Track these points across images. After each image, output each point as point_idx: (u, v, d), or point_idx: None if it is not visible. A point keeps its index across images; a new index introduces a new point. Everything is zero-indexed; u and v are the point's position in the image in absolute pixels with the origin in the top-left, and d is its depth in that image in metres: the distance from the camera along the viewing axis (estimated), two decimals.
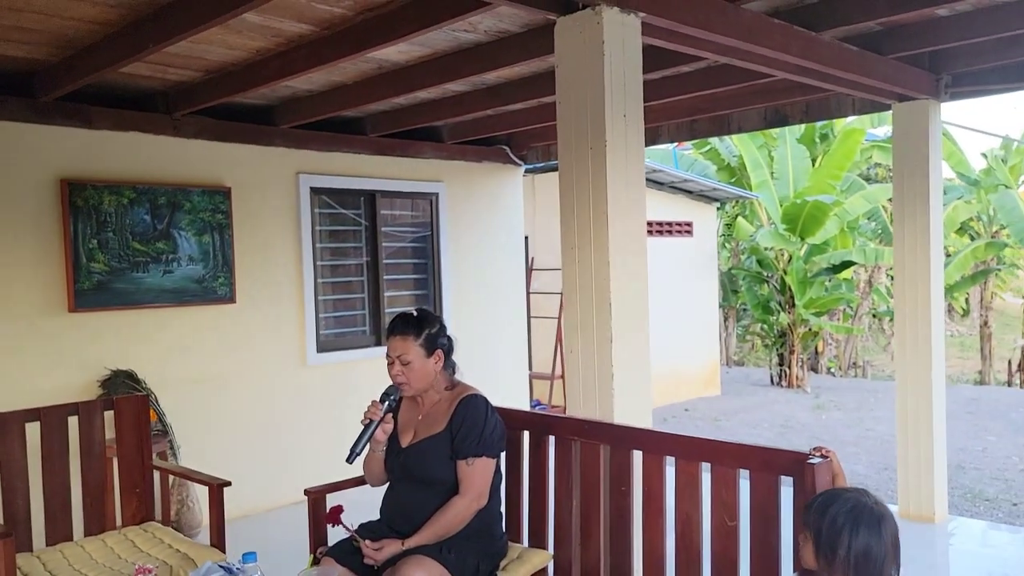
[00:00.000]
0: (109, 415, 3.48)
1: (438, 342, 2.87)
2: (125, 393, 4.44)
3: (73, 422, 3.34)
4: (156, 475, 3.83)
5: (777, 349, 12.17)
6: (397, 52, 4.12)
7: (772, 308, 12.02)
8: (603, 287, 2.95)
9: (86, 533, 3.34)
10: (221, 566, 2.57)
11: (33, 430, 3.21)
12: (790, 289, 11.64)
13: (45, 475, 3.22)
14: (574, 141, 2.99)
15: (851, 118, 11.47)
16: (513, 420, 3.14)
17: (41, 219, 4.47)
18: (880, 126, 12.30)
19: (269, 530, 4.94)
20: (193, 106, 4.71)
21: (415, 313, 2.90)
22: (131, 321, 4.81)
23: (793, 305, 11.70)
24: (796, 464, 2.30)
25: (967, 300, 17.32)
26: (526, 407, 7.66)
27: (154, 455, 4.10)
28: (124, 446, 3.48)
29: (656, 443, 2.75)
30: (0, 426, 3.12)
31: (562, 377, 8.75)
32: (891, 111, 4.88)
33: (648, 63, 3.21)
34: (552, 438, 3.07)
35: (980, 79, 4.72)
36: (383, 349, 2.84)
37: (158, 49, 3.52)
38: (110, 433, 3.47)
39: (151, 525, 3.42)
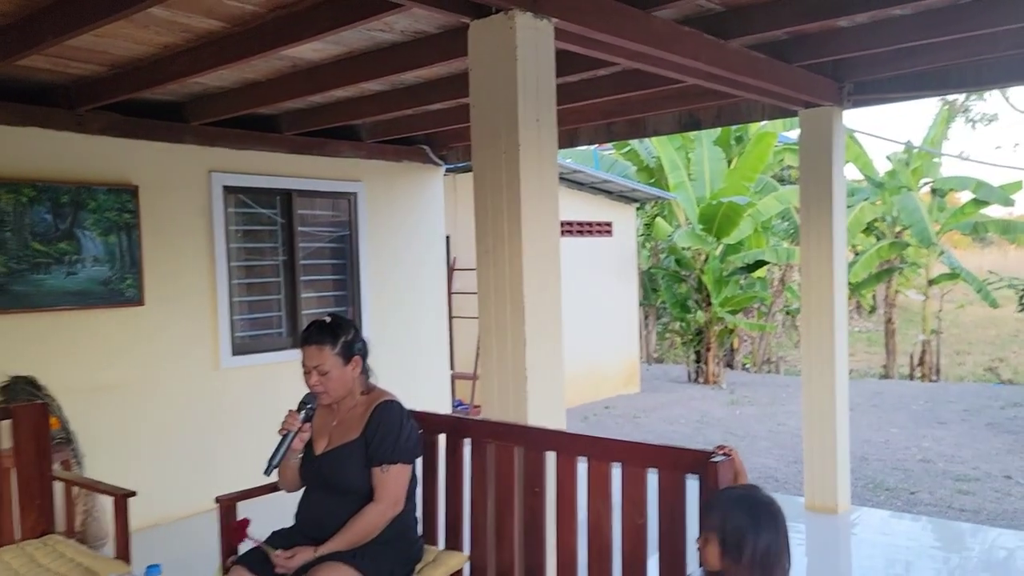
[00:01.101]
0: (6, 424, 3.32)
1: (355, 348, 2.83)
2: (25, 400, 4.24)
3: None
4: (59, 485, 3.67)
5: (694, 346, 12.49)
6: (312, 50, 4.06)
7: (690, 306, 12.33)
8: (517, 290, 2.97)
9: None
10: None
11: None
12: (707, 288, 11.97)
13: None
14: (488, 145, 3.01)
15: (764, 122, 11.89)
16: (429, 423, 3.14)
17: None
18: (792, 129, 12.76)
19: (179, 540, 4.80)
20: (98, 101, 4.53)
21: (328, 320, 2.85)
22: (31, 325, 4.60)
23: (710, 303, 12.03)
24: (700, 463, 2.37)
25: (873, 297, 18.12)
26: (448, 407, 7.65)
27: (56, 465, 3.93)
28: (22, 456, 3.33)
29: (569, 444, 2.79)
30: None
31: None
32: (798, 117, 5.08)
33: (563, 67, 3.25)
34: (468, 441, 3.08)
35: (880, 88, 4.95)
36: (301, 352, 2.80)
37: (58, 42, 3.39)
38: (7, 443, 3.32)
39: (52, 538, 3.29)
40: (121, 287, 4.92)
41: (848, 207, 12.90)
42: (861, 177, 14.23)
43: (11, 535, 3.31)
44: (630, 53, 3.65)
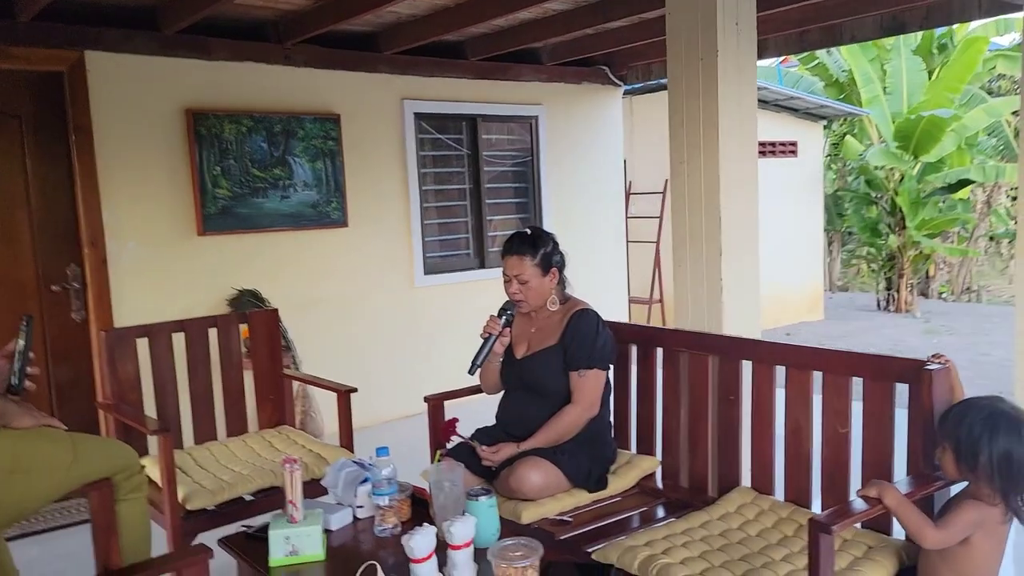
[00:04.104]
0: (243, 328, 3.75)
1: (553, 260, 2.95)
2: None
3: (212, 334, 3.62)
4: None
5: (885, 273, 11.75)
6: None
7: (880, 230, 11.55)
8: (713, 200, 2.95)
9: (227, 435, 3.65)
10: (354, 462, 2.80)
11: (178, 341, 3.50)
12: (901, 210, 11.14)
13: (191, 382, 3.52)
14: (684, 52, 2.96)
15: (974, 25, 10.71)
16: (622, 333, 3.20)
17: (170, 148, 4.75)
18: (1006, 33, 11.41)
19: (387, 438, 5.20)
20: (302, 34, 4.85)
21: (529, 232, 2.97)
22: (253, 244, 5.10)
23: (904, 227, 11.21)
24: (912, 371, 2.29)
25: None
26: None
27: None
28: (258, 356, 3.75)
29: (765, 353, 2.76)
30: (151, 336, 3.42)
31: (660, 301, 8.76)
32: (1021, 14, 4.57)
33: None
34: (660, 350, 3.12)
35: None
36: (487, 271, 2.95)
37: None
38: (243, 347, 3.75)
39: (285, 428, 3.71)
40: (328, 210, 5.33)
41: None
42: None
43: (248, 425, 3.77)
44: None
